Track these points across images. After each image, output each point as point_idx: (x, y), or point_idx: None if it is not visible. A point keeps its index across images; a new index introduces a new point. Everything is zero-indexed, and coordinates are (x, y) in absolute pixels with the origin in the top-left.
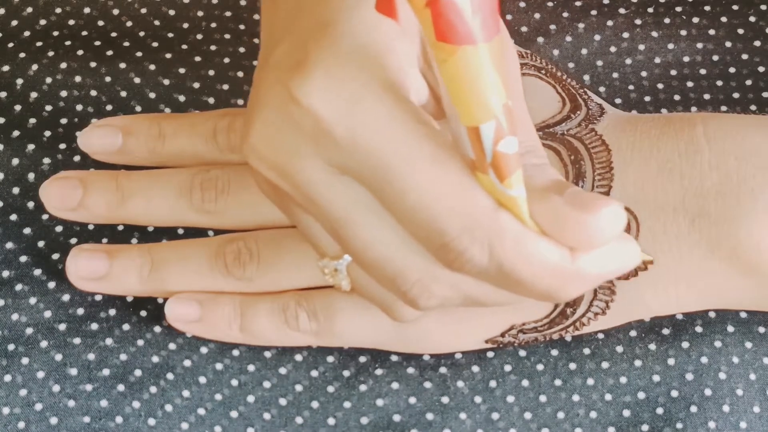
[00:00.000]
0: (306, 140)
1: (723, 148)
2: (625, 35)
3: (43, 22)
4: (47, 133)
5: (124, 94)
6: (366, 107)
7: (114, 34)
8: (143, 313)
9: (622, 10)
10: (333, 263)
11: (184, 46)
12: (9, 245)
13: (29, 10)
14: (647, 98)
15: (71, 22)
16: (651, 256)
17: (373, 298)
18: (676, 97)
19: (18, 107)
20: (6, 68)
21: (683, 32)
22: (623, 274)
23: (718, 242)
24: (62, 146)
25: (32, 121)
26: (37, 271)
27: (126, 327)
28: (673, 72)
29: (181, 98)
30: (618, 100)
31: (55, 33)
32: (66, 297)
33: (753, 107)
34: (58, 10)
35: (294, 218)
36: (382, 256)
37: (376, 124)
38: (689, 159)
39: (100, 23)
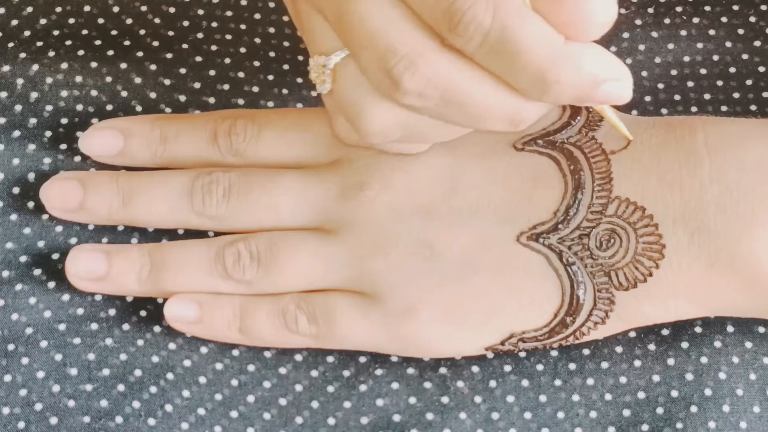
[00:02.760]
0: None
1: (724, 160)
2: (625, 35)
3: (43, 21)
4: (48, 134)
5: (124, 94)
6: None
7: (114, 32)
8: (143, 313)
9: (622, 10)
10: (323, 59)
11: (185, 46)
12: (9, 245)
13: (29, 9)
14: (647, 98)
15: (71, 20)
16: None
17: (349, 100)
18: (676, 97)
19: (18, 107)
20: (6, 68)
21: (683, 32)
22: (614, 97)
23: (718, 256)
24: (63, 146)
25: (33, 121)
26: (37, 271)
27: (126, 327)
28: (674, 72)
29: (182, 98)
30: None
31: (56, 32)
32: (66, 297)
33: (753, 107)
34: (59, 9)
35: (301, 19)
36: (380, 27)
37: None
38: (689, 170)
39: (100, 21)
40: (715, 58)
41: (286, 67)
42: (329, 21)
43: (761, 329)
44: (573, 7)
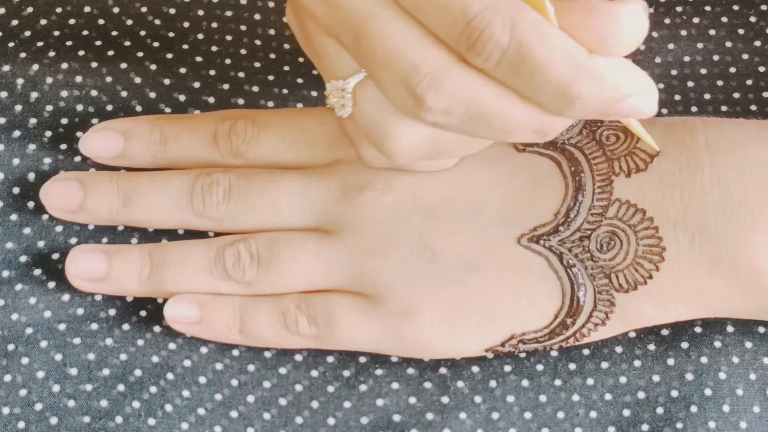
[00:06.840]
0: None
1: (724, 162)
2: None
3: (43, 21)
4: (48, 134)
5: (124, 94)
6: None
7: (114, 33)
8: (143, 313)
9: None
10: (340, 83)
11: (185, 46)
12: (9, 245)
13: (30, 9)
14: None
15: (72, 21)
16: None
17: (371, 122)
18: (677, 97)
19: (19, 107)
20: (6, 68)
21: (683, 32)
22: (638, 111)
23: (718, 260)
24: (63, 146)
25: (33, 121)
26: (37, 271)
27: (126, 327)
28: (674, 72)
29: (182, 98)
30: None
31: (56, 33)
32: (66, 297)
33: (753, 107)
34: (59, 10)
35: (313, 44)
36: (400, 48)
37: None
38: (690, 173)
39: (101, 22)
40: (715, 58)
41: (286, 68)
42: (345, 44)
43: (761, 329)
44: (603, 22)
